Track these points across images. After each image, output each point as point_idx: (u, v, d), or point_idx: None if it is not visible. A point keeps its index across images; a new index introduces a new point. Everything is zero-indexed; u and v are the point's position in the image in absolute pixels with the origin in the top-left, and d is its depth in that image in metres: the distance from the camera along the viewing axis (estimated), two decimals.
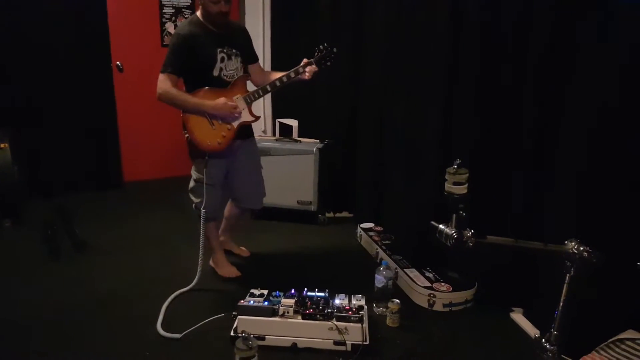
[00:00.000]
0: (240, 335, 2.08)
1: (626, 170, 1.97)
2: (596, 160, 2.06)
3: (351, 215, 4.15)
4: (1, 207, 3.76)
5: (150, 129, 4.96)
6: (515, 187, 2.51)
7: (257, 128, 4.81)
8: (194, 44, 2.61)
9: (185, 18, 4.70)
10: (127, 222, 3.97)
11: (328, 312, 2.28)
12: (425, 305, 2.68)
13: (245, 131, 2.86)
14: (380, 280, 2.66)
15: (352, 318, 2.26)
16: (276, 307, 2.30)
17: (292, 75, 2.76)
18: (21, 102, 4.25)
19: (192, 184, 2.87)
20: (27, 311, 2.58)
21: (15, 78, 4.21)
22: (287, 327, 2.27)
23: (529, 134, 2.40)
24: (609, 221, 2.02)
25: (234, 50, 2.74)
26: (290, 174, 3.86)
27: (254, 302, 2.32)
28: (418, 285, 2.74)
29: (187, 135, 2.69)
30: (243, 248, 3.36)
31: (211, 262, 3.08)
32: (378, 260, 3.17)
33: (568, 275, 1.73)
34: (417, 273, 2.88)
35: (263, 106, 4.95)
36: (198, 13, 2.69)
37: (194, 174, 2.85)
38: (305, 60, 2.78)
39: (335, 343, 2.25)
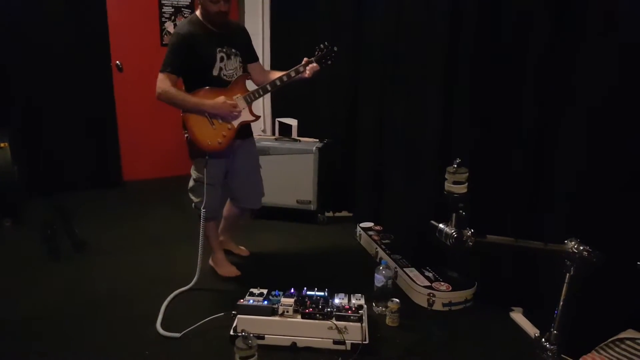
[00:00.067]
0: (239, 334, 2.08)
1: (626, 170, 1.97)
2: (596, 160, 2.06)
3: (351, 214, 4.15)
4: (1, 207, 3.77)
5: (149, 128, 4.96)
6: (515, 187, 2.51)
7: (257, 127, 4.80)
8: (194, 43, 2.60)
9: (185, 17, 4.70)
10: (126, 221, 3.97)
11: (327, 311, 2.28)
12: (425, 304, 2.68)
13: (245, 131, 2.86)
14: (379, 279, 2.66)
15: (352, 317, 2.26)
16: (276, 306, 2.30)
17: (293, 74, 2.76)
18: (21, 102, 4.26)
19: (191, 183, 2.87)
20: (27, 311, 2.58)
21: (15, 78, 4.22)
22: (286, 326, 2.27)
23: (529, 134, 2.40)
24: (609, 221, 2.02)
25: (233, 50, 2.74)
26: (290, 173, 3.85)
27: (254, 301, 2.33)
28: (417, 284, 2.74)
29: (187, 134, 2.69)
30: (242, 247, 3.36)
31: (211, 262, 3.08)
32: (377, 260, 3.17)
33: (568, 274, 1.73)
34: (416, 272, 2.88)
35: (262, 105, 4.95)
36: (197, 12, 2.68)
37: (193, 173, 2.85)
38: (305, 59, 2.78)
39: (335, 342, 2.25)
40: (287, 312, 2.28)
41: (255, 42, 2.99)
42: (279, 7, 4.72)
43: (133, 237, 3.64)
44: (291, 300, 2.30)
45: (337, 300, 2.38)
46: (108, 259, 3.23)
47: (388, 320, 2.51)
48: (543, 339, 1.80)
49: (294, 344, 2.27)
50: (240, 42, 2.82)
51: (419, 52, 3.06)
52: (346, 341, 2.24)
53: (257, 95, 2.77)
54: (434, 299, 2.66)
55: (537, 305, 2.44)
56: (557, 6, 2.18)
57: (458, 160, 1.76)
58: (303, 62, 2.77)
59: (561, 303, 1.76)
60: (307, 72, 2.75)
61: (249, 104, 2.76)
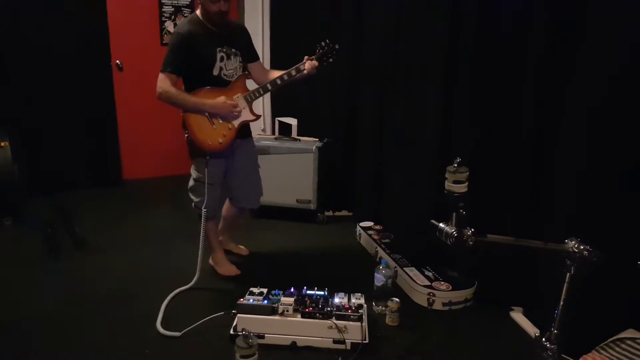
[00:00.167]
0: (239, 333, 2.08)
1: (626, 170, 1.97)
2: (596, 160, 2.06)
3: (350, 213, 4.15)
4: (1, 206, 3.76)
5: (149, 128, 4.96)
6: (515, 186, 2.51)
7: (257, 126, 4.81)
8: (194, 43, 2.60)
9: (185, 17, 4.68)
10: (126, 220, 3.97)
11: (327, 310, 2.28)
12: (425, 304, 2.69)
13: (245, 130, 2.86)
14: (379, 279, 2.67)
15: (352, 317, 2.26)
16: (276, 305, 2.30)
17: (293, 73, 2.75)
18: (21, 101, 4.25)
19: (191, 183, 2.87)
20: (27, 310, 2.58)
21: (15, 78, 4.21)
22: (286, 325, 2.27)
23: (529, 134, 2.40)
24: (609, 221, 2.02)
25: (233, 50, 2.73)
26: (290, 172, 3.86)
27: (254, 300, 2.33)
28: (417, 284, 2.75)
29: (187, 134, 2.69)
30: (242, 247, 3.36)
31: (211, 261, 3.09)
32: (377, 259, 3.17)
33: (568, 274, 1.73)
34: (416, 272, 2.88)
35: (262, 105, 4.95)
36: (197, 12, 2.68)
37: (193, 173, 2.85)
38: (306, 57, 2.77)
39: (335, 342, 2.25)
40: (287, 311, 2.28)
41: (255, 42, 2.98)
42: (279, 7, 4.72)
43: (133, 236, 3.64)
44: (291, 300, 2.31)
45: (337, 300, 2.38)
46: (108, 257, 3.24)
47: (388, 320, 2.51)
48: (543, 339, 1.80)
49: (294, 343, 2.27)
50: (241, 42, 2.82)
51: (419, 52, 3.06)
52: (346, 340, 2.24)
53: (257, 95, 2.77)
54: (434, 298, 2.66)
55: (537, 304, 2.44)
56: (557, 6, 2.18)
57: (458, 160, 1.76)
58: (304, 61, 2.76)
59: (561, 303, 1.76)
60: (306, 68, 2.75)
61: (250, 104, 2.76)
